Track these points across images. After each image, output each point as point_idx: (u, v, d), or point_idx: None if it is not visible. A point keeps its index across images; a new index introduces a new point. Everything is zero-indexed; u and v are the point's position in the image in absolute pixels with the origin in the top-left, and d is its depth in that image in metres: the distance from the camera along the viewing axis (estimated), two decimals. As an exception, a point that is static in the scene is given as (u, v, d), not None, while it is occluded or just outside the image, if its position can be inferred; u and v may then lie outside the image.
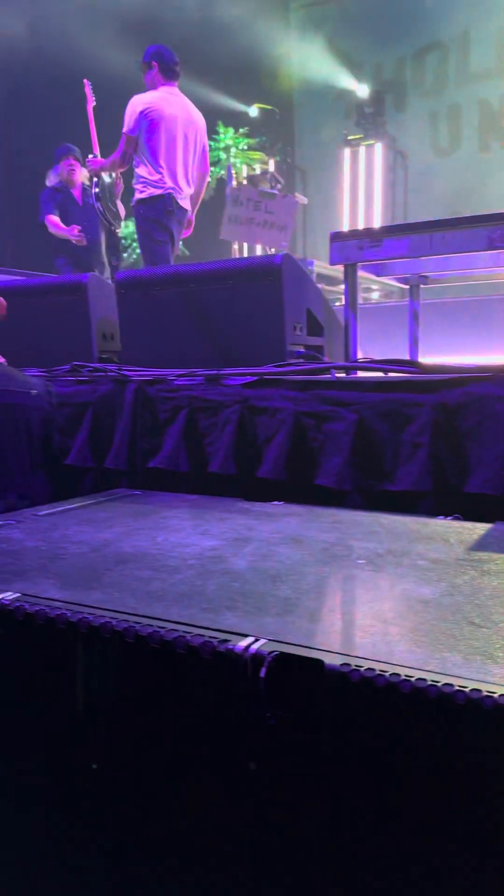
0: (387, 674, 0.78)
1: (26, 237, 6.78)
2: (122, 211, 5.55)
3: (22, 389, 2.18)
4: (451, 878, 0.76)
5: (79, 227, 5.65)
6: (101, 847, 0.99)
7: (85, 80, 5.67)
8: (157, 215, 4.61)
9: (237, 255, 8.39)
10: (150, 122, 4.53)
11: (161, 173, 4.56)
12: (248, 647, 0.85)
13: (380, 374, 2.22)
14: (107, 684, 0.97)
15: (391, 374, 2.18)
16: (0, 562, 1.23)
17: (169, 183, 4.58)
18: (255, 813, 0.87)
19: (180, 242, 5.11)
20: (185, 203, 4.75)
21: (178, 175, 4.64)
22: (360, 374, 2.33)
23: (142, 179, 4.61)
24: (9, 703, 1.05)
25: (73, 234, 5.63)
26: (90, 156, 5.35)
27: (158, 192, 4.58)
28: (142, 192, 4.62)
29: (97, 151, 5.41)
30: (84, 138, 5.55)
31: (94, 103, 5.57)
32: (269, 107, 9.83)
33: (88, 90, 5.61)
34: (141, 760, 0.95)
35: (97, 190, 5.28)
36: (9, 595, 1.03)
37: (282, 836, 0.86)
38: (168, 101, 4.60)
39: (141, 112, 4.52)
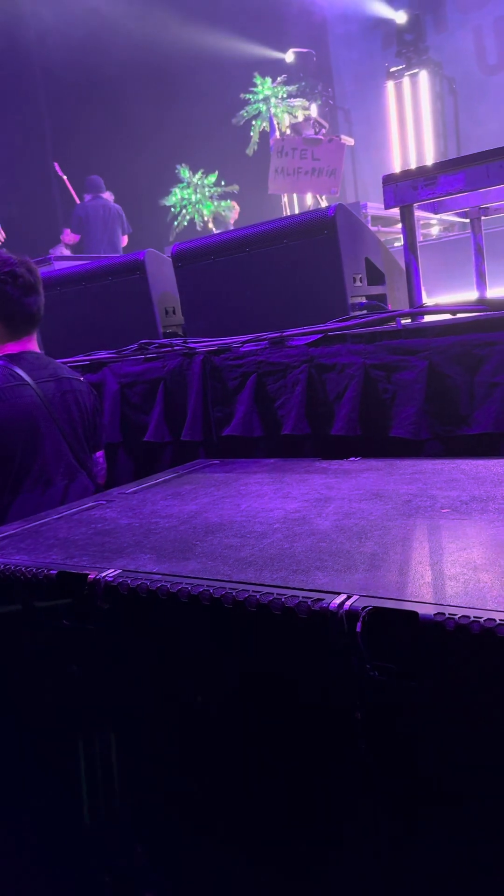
0: (482, 619, 0.79)
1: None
2: None
3: (73, 377, 2.24)
4: None
5: None
6: (216, 792, 1.06)
7: (55, 163, 6.75)
8: None
9: (286, 208, 8.25)
10: None
11: None
12: (341, 604, 0.88)
13: (447, 316, 2.18)
14: (209, 649, 1.02)
15: (459, 316, 2.13)
16: (99, 541, 1.30)
17: None
18: (364, 758, 0.91)
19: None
20: None
21: None
22: (427, 318, 2.28)
23: None
24: (121, 674, 1.12)
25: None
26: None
27: None
28: None
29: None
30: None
31: (65, 176, 6.75)
32: (304, 49, 9.50)
33: (59, 170, 6.73)
34: (246, 719, 1.00)
35: None
36: (111, 572, 1.10)
37: (392, 779, 0.89)
38: None
39: None
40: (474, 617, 0.80)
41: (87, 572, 1.11)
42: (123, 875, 1.18)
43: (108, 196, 7.72)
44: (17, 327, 2.14)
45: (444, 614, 0.81)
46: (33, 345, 2.21)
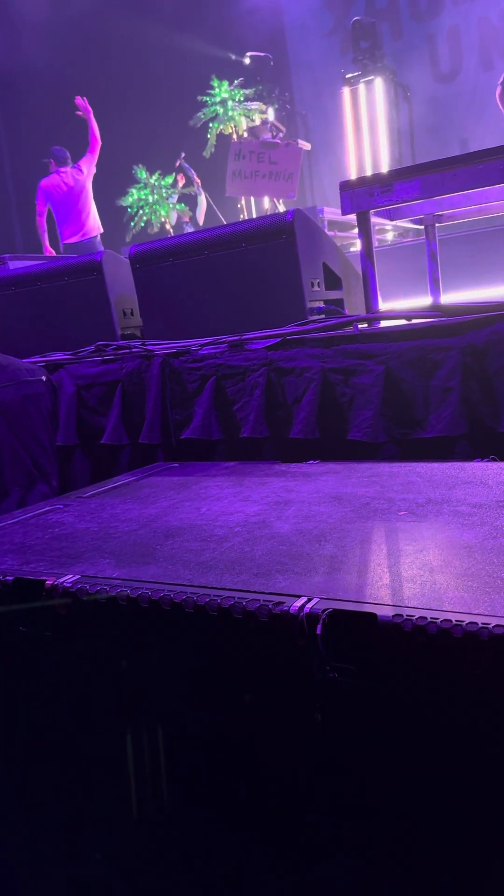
0: (438, 620, 0.81)
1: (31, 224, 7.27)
2: None
3: (34, 378, 2.18)
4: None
5: None
6: (182, 798, 1.06)
7: None
8: None
9: (243, 211, 8.28)
10: None
11: None
12: (302, 606, 0.89)
13: (403, 321, 2.21)
14: (170, 654, 1.02)
15: (415, 321, 2.17)
16: (57, 546, 1.28)
17: None
18: (326, 760, 0.92)
19: None
20: None
21: None
22: (384, 323, 2.32)
23: None
24: (80, 681, 1.11)
25: None
26: None
27: None
28: None
29: None
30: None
31: None
32: (262, 53, 9.53)
33: None
34: (208, 723, 1.00)
35: None
36: (69, 578, 1.08)
37: (351, 780, 0.91)
38: None
39: None
40: (431, 618, 0.81)
41: (45, 578, 1.10)
42: (82, 882, 1.17)
43: None
44: None
45: (402, 615, 0.83)
46: None
